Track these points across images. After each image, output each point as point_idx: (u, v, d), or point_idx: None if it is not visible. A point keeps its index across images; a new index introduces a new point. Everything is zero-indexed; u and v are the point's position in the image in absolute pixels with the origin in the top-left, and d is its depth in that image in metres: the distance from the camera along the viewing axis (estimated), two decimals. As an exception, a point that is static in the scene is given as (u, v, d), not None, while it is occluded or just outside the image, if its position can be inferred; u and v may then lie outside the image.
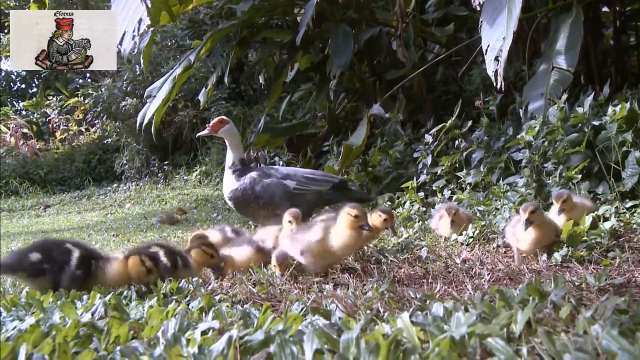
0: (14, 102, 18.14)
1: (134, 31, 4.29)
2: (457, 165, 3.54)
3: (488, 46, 2.81)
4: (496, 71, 2.73)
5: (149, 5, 3.98)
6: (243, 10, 4.96)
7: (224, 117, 3.65)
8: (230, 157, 3.60)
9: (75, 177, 12.25)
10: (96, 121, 12.47)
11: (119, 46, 4.57)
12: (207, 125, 3.66)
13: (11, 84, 18.23)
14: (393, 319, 1.13)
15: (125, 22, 4.38)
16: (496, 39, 2.77)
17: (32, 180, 11.89)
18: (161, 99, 4.75)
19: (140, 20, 4.18)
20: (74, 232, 5.09)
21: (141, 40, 4.58)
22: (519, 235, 1.98)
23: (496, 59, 2.73)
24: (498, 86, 2.72)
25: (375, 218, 2.12)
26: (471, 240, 2.33)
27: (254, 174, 3.54)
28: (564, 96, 2.85)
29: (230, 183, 3.54)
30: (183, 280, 1.85)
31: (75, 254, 1.79)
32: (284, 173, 3.54)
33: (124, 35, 4.40)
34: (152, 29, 4.42)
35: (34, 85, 18.01)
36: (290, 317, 1.20)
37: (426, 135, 3.83)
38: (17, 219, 8.35)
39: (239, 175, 3.56)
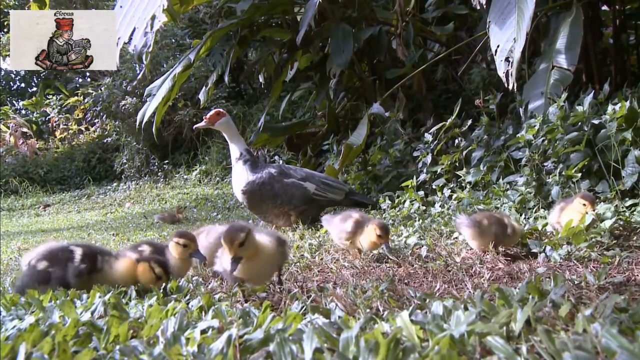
0: (14, 101, 18.15)
1: (145, 28, 4.21)
2: (457, 164, 3.54)
3: (497, 47, 2.77)
4: (507, 72, 2.71)
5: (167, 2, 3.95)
6: (243, 9, 4.96)
7: (221, 110, 3.63)
8: (235, 150, 3.52)
9: (74, 176, 12.26)
10: (96, 120, 12.49)
11: (128, 44, 4.51)
12: (204, 117, 3.65)
13: (11, 83, 18.22)
14: (392, 318, 1.12)
15: (134, 19, 4.30)
16: (506, 39, 2.73)
17: (31, 180, 11.90)
18: (161, 98, 4.75)
19: (153, 17, 4.11)
20: (73, 231, 5.09)
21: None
22: None
23: (507, 59, 2.70)
24: (510, 87, 2.70)
25: None
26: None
27: (272, 170, 3.45)
28: (564, 95, 2.84)
29: (243, 175, 3.42)
30: (183, 279, 1.85)
31: (79, 251, 1.78)
32: (302, 175, 3.50)
33: (133, 32, 4.32)
34: (154, 28, 4.38)
35: (33, 84, 18.01)
36: (289, 316, 1.19)
37: (426, 134, 3.83)
38: (16, 218, 8.36)
39: (251, 165, 3.45)
